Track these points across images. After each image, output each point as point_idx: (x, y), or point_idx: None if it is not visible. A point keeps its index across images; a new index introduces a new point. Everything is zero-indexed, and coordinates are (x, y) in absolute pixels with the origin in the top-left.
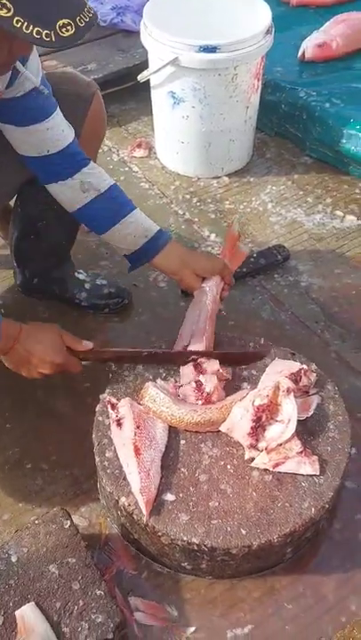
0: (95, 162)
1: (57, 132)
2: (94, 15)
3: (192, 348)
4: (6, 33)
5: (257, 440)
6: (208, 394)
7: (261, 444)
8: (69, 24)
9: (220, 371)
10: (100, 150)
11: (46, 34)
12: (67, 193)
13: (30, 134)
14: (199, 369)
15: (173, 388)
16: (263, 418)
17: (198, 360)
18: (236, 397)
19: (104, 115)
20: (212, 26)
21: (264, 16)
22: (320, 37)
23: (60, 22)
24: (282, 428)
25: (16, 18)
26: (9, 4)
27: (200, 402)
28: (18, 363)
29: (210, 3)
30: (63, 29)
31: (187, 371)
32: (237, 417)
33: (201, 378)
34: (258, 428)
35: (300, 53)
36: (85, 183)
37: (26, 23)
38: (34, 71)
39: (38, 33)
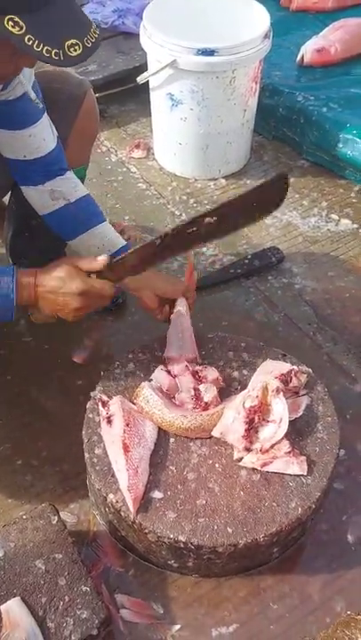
0: (89, 159)
1: (38, 139)
2: (100, 36)
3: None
4: (15, 49)
5: (251, 442)
6: (206, 403)
7: (256, 446)
8: (77, 44)
9: (219, 379)
10: (99, 150)
11: (55, 53)
12: (36, 197)
13: (11, 137)
14: (198, 377)
15: (170, 386)
16: (256, 420)
17: (196, 368)
18: (229, 405)
19: (96, 113)
20: (210, 29)
21: (262, 20)
22: (319, 42)
23: (69, 42)
24: (274, 428)
25: (27, 36)
26: (21, 23)
27: (197, 410)
28: (50, 308)
29: (209, 6)
30: (71, 49)
31: (185, 379)
32: (229, 420)
33: (201, 387)
34: (251, 429)
35: (298, 58)
36: (56, 192)
37: (36, 42)
38: (27, 76)
39: (48, 51)
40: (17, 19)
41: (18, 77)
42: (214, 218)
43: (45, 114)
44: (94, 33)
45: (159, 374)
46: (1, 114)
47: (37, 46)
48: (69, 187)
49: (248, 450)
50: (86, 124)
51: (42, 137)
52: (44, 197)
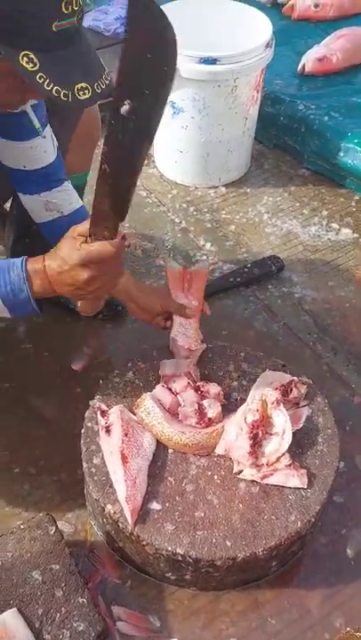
0: (91, 165)
1: (39, 151)
2: (111, 82)
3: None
4: (24, 83)
5: (257, 457)
6: (210, 419)
7: (262, 460)
8: (87, 88)
9: (221, 394)
10: (100, 158)
11: (64, 94)
12: (32, 206)
13: (13, 148)
14: (201, 393)
15: (172, 401)
16: (260, 434)
17: (198, 383)
18: (229, 420)
19: (98, 119)
20: (212, 38)
21: (265, 29)
22: (320, 51)
23: (79, 85)
24: (278, 441)
25: (40, 74)
26: (35, 59)
27: (200, 426)
28: (66, 291)
29: (212, 15)
30: (80, 92)
31: (188, 394)
32: (233, 436)
33: (205, 402)
34: (255, 445)
35: (300, 67)
36: (50, 204)
37: (47, 80)
38: None
39: (57, 92)
40: (32, 55)
41: None
42: (126, 102)
43: (48, 126)
44: (105, 79)
45: (161, 392)
46: (4, 125)
47: (47, 85)
48: (64, 199)
49: (257, 466)
50: (88, 130)
51: (43, 149)
52: (39, 207)
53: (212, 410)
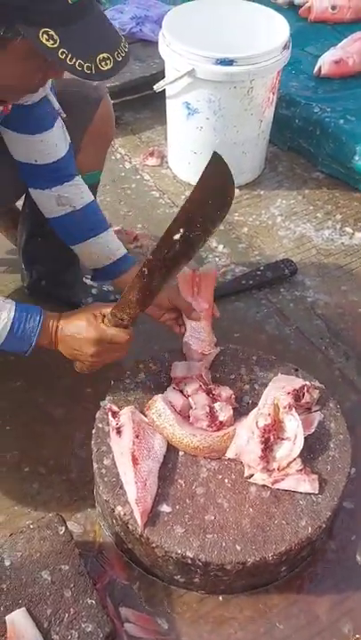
0: (104, 163)
1: (50, 145)
2: (129, 50)
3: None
4: (46, 61)
5: (268, 462)
6: (221, 422)
7: (273, 465)
8: (108, 58)
9: (232, 397)
10: (113, 157)
11: (87, 67)
12: (44, 201)
13: (24, 142)
14: (213, 396)
15: (184, 403)
16: (271, 439)
17: (210, 386)
18: (241, 424)
19: (112, 118)
20: (230, 39)
21: (282, 30)
22: (337, 54)
23: (101, 56)
24: (290, 446)
25: (61, 49)
26: (55, 36)
27: (212, 429)
28: (68, 352)
29: (229, 16)
30: (103, 63)
31: (200, 397)
32: (244, 440)
33: (216, 405)
34: (267, 449)
35: (316, 69)
36: (62, 198)
37: (69, 55)
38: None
39: (80, 65)
40: (51, 32)
41: None
42: (181, 230)
43: (59, 119)
44: (124, 47)
45: (172, 394)
46: (16, 117)
47: (70, 60)
48: (76, 193)
49: (268, 471)
50: (102, 129)
51: (54, 143)
52: (50, 202)
53: (224, 413)
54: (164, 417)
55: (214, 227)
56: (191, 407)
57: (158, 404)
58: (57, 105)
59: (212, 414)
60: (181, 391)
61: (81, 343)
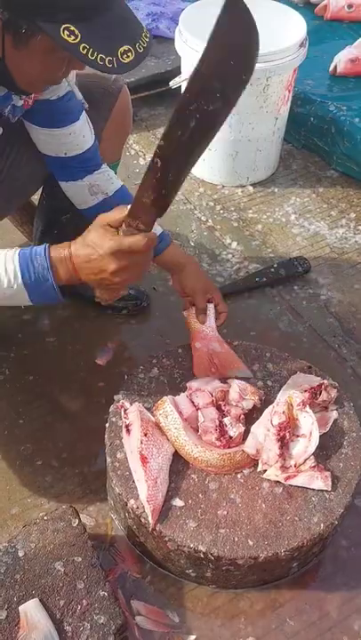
0: (120, 155)
1: (78, 137)
2: (151, 39)
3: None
4: (68, 55)
5: (285, 459)
6: (231, 437)
7: (290, 462)
8: (130, 50)
9: (242, 417)
10: (128, 154)
11: (109, 60)
12: (76, 192)
13: (52, 136)
14: (223, 412)
15: (192, 414)
16: (287, 436)
17: (221, 403)
18: (257, 422)
19: (130, 109)
20: None
21: (299, 28)
22: (353, 52)
23: (122, 49)
24: (305, 443)
25: (82, 44)
26: (77, 32)
27: (220, 442)
28: (92, 280)
29: None
30: (124, 56)
31: (209, 411)
32: (261, 437)
33: (225, 420)
34: (283, 447)
35: (331, 67)
36: (94, 186)
37: (91, 50)
38: (70, 75)
39: (102, 59)
40: (72, 27)
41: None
42: (195, 102)
43: (84, 111)
44: (145, 37)
45: (183, 401)
46: (42, 113)
47: (92, 55)
48: (106, 180)
49: (285, 468)
50: (120, 120)
51: (81, 134)
52: (83, 192)
53: (235, 429)
54: (171, 419)
55: (237, 95)
56: (198, 420)
57: (166, 406)
58: (80, 96)
59: (221, 428)
60: (192, 401)
61: (100, 263)
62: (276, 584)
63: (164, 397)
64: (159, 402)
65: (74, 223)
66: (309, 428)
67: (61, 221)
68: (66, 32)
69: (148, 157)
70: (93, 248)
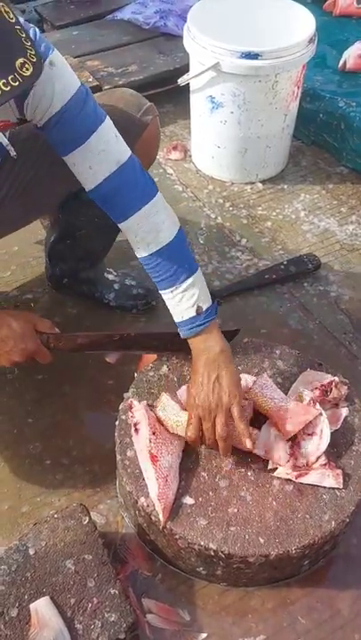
0: None
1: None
2: (35, 71)
3: None
4: None
5: (296, 459)
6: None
7: (302, 461)
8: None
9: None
10: None
11: None
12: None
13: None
14: None
15: None
16: (298, 435)
17: None
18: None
19: (158, 140)
20: (255, 32)
21: (308, 24)
22: None
23: None
24: (317, 441)
25: None
26: None
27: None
28: None
29: (254, 10)
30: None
31: None
32: (271, 436)
33: None
34: (294, 446)
35: (340, 63)
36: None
37: None
38: (56, 94)
39: None
40: None
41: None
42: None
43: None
44: (25, 69)
45: (183, 393)
46: (56, 135)
47: None
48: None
49: (297, 467)
50: (146, 149)
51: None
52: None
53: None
54: (169, 408)
55: None
56: None
57: (163, 399)
58: (5, 141)
59: None
60: None
61: (9, 349)
62: (288, 582)
63: (162, 393)
64: (157, 400)
65: (88, 239)
66: (320, 425)
67: (75, 236)
68: None
69: (158, 155)
70: (15, 335)
